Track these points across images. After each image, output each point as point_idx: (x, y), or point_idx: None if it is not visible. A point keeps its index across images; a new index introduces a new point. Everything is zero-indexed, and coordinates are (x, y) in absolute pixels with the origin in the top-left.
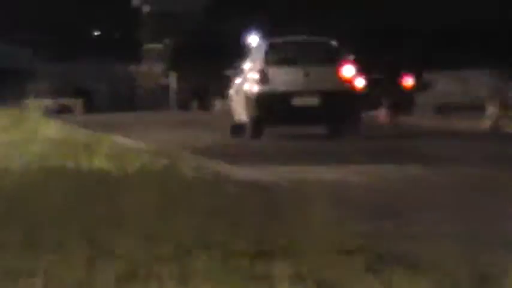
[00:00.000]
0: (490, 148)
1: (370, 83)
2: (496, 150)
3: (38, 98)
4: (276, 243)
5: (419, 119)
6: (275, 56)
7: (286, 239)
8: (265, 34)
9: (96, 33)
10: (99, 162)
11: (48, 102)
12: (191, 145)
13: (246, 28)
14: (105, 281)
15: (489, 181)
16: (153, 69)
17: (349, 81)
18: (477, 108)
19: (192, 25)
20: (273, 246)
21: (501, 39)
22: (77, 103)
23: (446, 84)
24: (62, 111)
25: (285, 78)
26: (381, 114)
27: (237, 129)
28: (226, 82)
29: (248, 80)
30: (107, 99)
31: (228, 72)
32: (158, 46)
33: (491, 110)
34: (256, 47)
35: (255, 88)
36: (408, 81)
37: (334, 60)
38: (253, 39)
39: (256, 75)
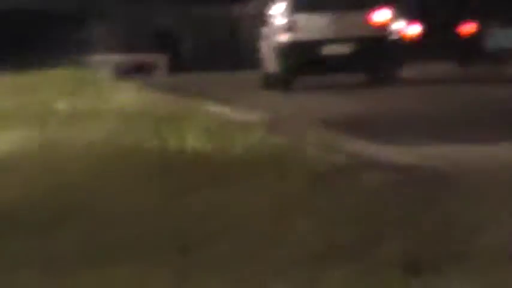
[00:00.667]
0: None
1: (430, 29)
2: None
3: (106, 52)
4: (446, 252)
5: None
6: (303, 1)
7: (457, 246)
8: None
9: None
10: (194, 141)
11: (120, 58)
12: (315, 115)
13: None
14: None
15: None
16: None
17: (384, 27)
18: None
19: None
20: (439, 256)
21: None
22: (159, 59)
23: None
24: (138, 70)
25: (314, 25)
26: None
27: (267, 80)
28: None
29: (275, 28)
30: (198, 53)
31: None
32: None
33: None
34: None
35: (283, 37)
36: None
37: (367, 4)
38: None
39: (283, 23)
